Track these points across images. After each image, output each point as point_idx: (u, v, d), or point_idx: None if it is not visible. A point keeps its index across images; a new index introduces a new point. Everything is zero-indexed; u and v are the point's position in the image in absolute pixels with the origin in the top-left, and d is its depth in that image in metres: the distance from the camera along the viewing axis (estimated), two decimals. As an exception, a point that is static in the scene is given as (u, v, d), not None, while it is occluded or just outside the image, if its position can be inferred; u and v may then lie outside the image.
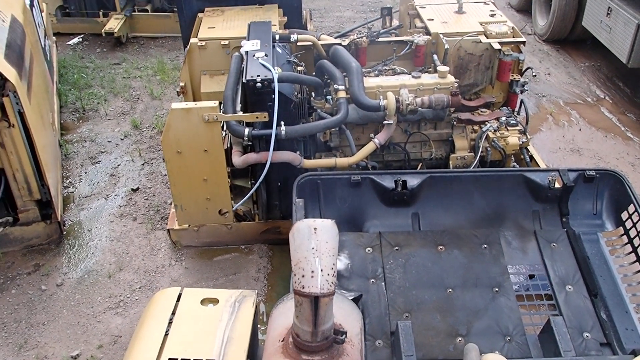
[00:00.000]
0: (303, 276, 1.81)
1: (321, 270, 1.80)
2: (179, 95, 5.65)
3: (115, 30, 8.80)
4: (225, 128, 4.74)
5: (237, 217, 5.15)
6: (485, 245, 4.31)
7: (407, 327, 3.68)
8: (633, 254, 4.15)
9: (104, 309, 4.71)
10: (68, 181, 6.18)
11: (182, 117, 4.45)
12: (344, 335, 1.92)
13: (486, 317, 3.90)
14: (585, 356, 3.57)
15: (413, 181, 4.47)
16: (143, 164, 6.42)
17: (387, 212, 4.55)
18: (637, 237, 4.12)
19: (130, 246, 5.32)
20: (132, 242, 5.36)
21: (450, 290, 4.02)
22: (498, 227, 4.48)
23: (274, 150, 4.42)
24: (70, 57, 8.73)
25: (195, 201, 4.86)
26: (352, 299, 3.99)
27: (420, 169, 5.10)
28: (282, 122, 4.41)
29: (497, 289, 4.02)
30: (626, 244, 4.26)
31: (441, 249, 4.28)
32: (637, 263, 4.08)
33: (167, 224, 5.35)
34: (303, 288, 1.80)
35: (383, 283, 4.06)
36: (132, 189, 6.02)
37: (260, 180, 4.61)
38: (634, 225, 4.17)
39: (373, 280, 4.08)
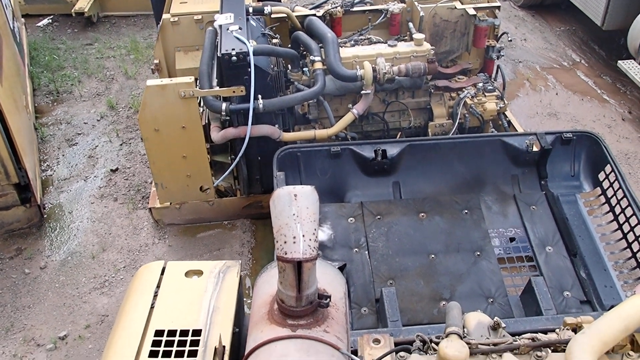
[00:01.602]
0: (285, 242, 1.81)
1: (303, 235, 1.81)
2: (153, 73, 5.56)
3: (86, 10, 8.59)
4: (202, 104, 4.69)
5: (219, 193, 5.13)
6: (466, 211, 4.37)
7: (392, 294, 3.75)
8: (610, 213, 4.24)
9: (89, 290, 4.69)
10: (46, 164, 6.09)
11: (158, 94, 4.39)
12: (329, 299, 1.93)
13: (469, 281, 3.97)
14: (566, 314, 3.66)
15: (393, 150, 4.50)
16: (121, 144, 6.34)
17: (368, 181, 4.58)
18: (614, 197, 4.20)
19: (112, 226, 5.28)
20: (114, 223, 5.32)
21: (432, 256, 4.08)
22: (478, 192, 4.54)
23: (252, 124, 4.39)
24: (41, 39, 8.52)
25: (175, 179, 4.83)
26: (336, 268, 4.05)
27: (399, 138, 5.11)
28: (260, 96, 4.37)
29: (478, 253, 4.09)
30: (603, 204, 4.34)
31: (422, 216, 4.33)
32: (615, 222, 4.17)
33: (148, 203, 5.31)
34: (286, 254, 1.80)
35: (366, 252, 4.11)
36: (112, 170, 5.95)
37: (240, 155, 4.59)
38: (611, 185, 4.25)
39: (356, 249, 4.13)
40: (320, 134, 4.71)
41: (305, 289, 1.86)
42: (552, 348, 2.04)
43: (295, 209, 1.83)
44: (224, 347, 1.97)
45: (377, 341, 2.65)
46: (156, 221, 5.22)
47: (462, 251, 4.13)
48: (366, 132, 5.20)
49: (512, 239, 4.25)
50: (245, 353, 1.91)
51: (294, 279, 1.83)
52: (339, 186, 4.56)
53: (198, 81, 4.53)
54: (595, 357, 1.80)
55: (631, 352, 2.00)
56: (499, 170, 4.60)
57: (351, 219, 4.30)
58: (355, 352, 2.52)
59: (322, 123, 5.00)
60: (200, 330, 2.04)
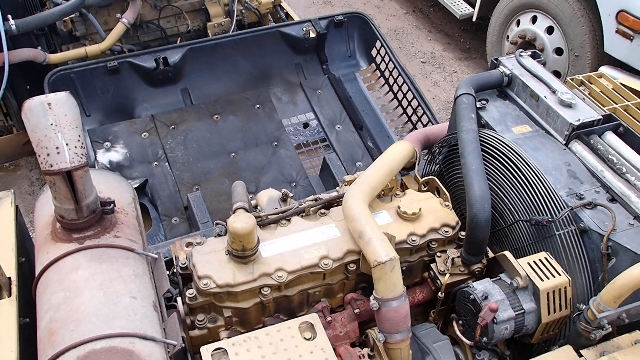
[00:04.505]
0: (48, 155, 1.70)
1: (66, 144, 1.70)
2: None
3: None
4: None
5: (-9, 135, 4.61)
6: (258, 105, 4.47)
7: (198, 197, 3.78)
8: (386, 85, 4.63)
9: None
10: None
11: None
12: (112, 205, 1.88)
13: (271, 171, 4.14)
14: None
15: (174, 56, 4.35)
16: None
17: (155, 93, 4.42)
18: (387, 70, 4.57)
19: None
20: None
21: (233, 154, 4.16)
22: (267, 85, 4.64)
23: (9, 49, 3.91)
24: None
25: None
26: (137, 186, 3.95)
27: (179, 43, 4.94)
28: (10, 16, 3.87)
29: (276, 144, 4.25)
30: (379, 77, 4.72)
31: (217, 118, 4.34)
32: (391, 93, 4.57)
33: None
34: (52, 167, 1.69)
35: (167, 163, 4.04)
36: None
37: (3, 86, 4.09)
38: (383, 59, 4.61)
39: (156, 163, 4.04)
40: (91, 50, 4.37)
41: (83, 199, 1.78)
42: (335, 204, 2.24)
43: (52, 118, 1.71)
44: (9, 278, 1.85)
45: (189, 244, 2.68)
46: None
47: (260, 144, 4.25)
48: (144, 42, 4.94)
49: (305, 125, 4.46)
50: (35, 278, 1.82)
51: (67, 190, 1.74)
52: (125, 103, 4.35)
53: None
54: (366, 201, 2.02)
55: (398, 192, 2.28)
56: (282, 61, 4.71)
57: (145, 133, 4.17)
58: (170, 260, 2.54)
59: (93, 39, 4.63)
60: (-22, 269, 1.88)
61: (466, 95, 2.43)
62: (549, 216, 2.10)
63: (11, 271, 1.88)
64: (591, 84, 3.01)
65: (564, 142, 2.33)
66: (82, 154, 1.73)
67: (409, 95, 4.33)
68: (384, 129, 4.51)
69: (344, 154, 4.27)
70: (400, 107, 4.46)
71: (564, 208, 2.08)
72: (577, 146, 2.29)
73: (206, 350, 1.73)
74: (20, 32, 3.95)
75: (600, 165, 2.20)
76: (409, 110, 4.35)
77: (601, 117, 2.32)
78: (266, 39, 4.62)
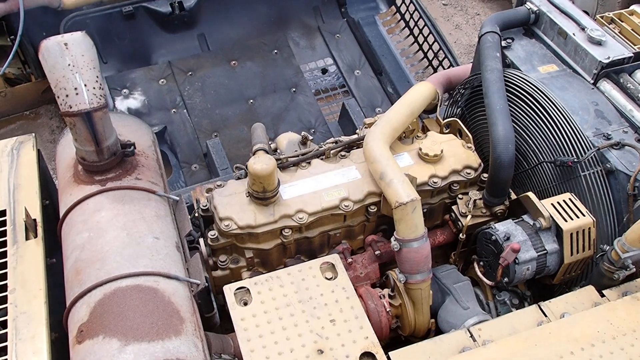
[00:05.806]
0: (67, 96, 1.69)
1: (85, 85, 1.69)
2: None
3: None
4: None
5: (9, 82, 4.57)
6: (276, 51, 4.40)
7: (217, 144, 3.78)
8: (406, 29, 4.51)
9: None
10: None
11: None
12: (133, 147, 1.88)
13: (289, 117, 4.11)
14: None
15: (189, 0, 4.29)
16: None
17: (172, 39, 4.37)
18: (407, 12, 4.45)
19: None
20: None
21: (251, 101, 4.12)
22: (284, 30, 4.56)
23: (24, -5, 3.87)
24: None
25: (-50, 75, 4.22)
26: (156, 133, 3.95)
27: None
28: (23, -40, 3.82)
29: (294, 89, 4.21)
30: (399, 21, 4.60)
31: (234, 64, 4.29)
32: (411, 36, 4.46)
33: None
34: (71, 108, 1.69)
35: (185, 110, 4.03)
36: None
37: (19, 33, 4.06)
38: (403, 1, 4.48)
39: (174, 110, 4.03)
40: (106, -6, 4.30)
41: (103, 140, 1.78)
42: (355, 146, 2.22)
43: (70, 58, 1.69)
44: (34, 220, 1.87)
45: (209, 190, 2.69)
46: (-59, 127, 4.61)
47: (278, 90, 4.21)
48: (159, -13, 4.84)
49: (324, 70, 4.39)
50: (60, 219, 1.84)
51: (87, 132, 1.74)
52: (141, 49, 4.32)
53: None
54: (387, 142, 1.99)
55: (419, 134, 2.24)
56: (300, 5, 4.61)
57: (162, 80, 4.15)
58: (191, 206, 2.56)
59: (107, -17, 4.55)
60: (5, 210, 1.91)
61: (491, 33, 2.35)
62: (575, 157, 2.05)
63: (36, 213, 1.90)
64: (622, 21, 2.88)
65: (592, 82, 2.26)
66: (100, 95, 1.72)
67: (430, 39, 4.22)
68: (404, 74, 4.43)
69: (363, 99, 4.21)
70: (420, 51, 4.36)
71: (591, 148, 2.03)
72: (606, 85, 2.22)
73: (229, 289, 1.75)
74: (34, -23, 3.89)
75: (630, 104, 2.14)
76: (430, 55, 4.25)
77: (632, 54, 2.23)
78: (283, -19, 4.51)
